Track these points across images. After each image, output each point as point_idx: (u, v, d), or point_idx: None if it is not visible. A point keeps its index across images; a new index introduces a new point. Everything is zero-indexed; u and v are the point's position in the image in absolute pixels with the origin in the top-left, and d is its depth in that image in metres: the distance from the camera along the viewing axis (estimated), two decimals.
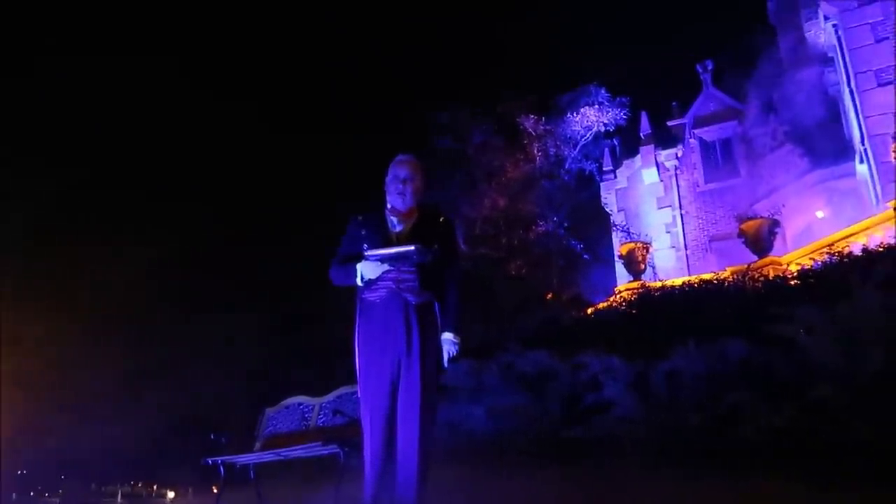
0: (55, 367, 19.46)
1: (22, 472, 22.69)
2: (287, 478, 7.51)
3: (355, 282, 3.28)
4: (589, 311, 11.95)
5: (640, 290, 10.47)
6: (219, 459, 6.76)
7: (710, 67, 20.01)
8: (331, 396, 6.80)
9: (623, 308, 9.49)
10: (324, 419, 6.73)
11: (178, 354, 20.14)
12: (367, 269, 3.24)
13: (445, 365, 3.32)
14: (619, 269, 16.84)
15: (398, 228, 3.38)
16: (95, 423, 19.35)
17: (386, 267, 3.22)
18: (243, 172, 26.65)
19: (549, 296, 15.11)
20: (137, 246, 23.09)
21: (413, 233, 3.35)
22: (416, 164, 3.43)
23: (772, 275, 9.09)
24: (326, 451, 5.82)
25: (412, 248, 3.16)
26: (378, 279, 3.26)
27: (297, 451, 6.27)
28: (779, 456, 3.85)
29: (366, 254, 3.22)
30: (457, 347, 3.32)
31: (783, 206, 15.02)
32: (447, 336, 3.31)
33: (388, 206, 3.42)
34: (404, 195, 3.35)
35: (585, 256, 17.48)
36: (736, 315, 6.26)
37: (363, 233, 3.36)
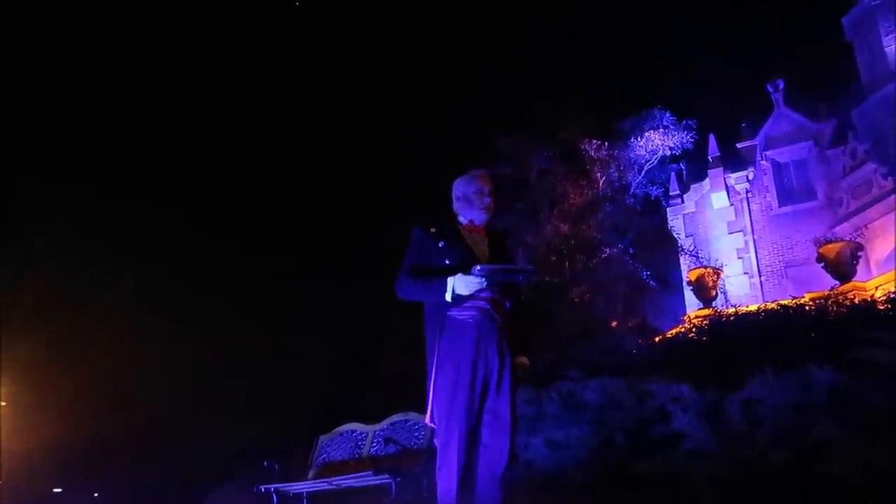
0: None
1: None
2: None
3: (443, 297, 3.04)
4: (656, 338, 11.43)
5: (712, 317, 9.93)
6: (271, 487, 6.65)
7: (781, 87, 19.19)
8: (384, 424, 6.62)
9: (693, 335, 9.02)
10: (377, 447, 6.55)
11: (229, 377, 20.27)
12: (462, 285, 3.01)
13: None
14: (689, 296, 16.15)
15: (482, 245, 3.23)
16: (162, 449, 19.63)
17: (483, 284, 3.03)
18: (293, 206, 26.80)
19: (614, 323, 14.58)
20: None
21: (493, 250, 3.24)
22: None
23: (857, 299, 8.44)
24: (378, 481, 5.63)
25: (530, 268, 3.09)
26: (468, 297, 3.06)
27: (349, 481, 6.10)
28: (878, 497, 3.40)
29: (476, 267, 3.01)
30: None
31: (865, 227, 14.14)
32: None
33: (464, 221, 3.28)
34: (489, 210, 3.24)
35: (652, 283, 16.85)
36: (820, 341, 5.77)
37: (441, 245, 3.16)
